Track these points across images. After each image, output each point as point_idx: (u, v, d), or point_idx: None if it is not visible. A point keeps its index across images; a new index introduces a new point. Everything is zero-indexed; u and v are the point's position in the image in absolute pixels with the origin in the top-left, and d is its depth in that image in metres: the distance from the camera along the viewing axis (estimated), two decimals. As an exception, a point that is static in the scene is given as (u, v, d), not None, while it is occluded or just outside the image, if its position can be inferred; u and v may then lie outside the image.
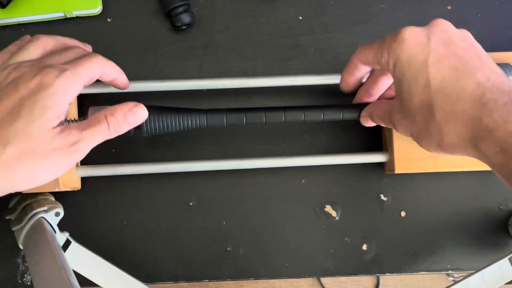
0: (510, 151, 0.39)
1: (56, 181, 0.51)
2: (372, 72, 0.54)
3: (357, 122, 0.56)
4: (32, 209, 0.52)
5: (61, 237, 0.54)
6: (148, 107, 0.53)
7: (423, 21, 0.64)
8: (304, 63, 0.64)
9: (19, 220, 0.53)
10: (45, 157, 0.41)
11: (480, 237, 0.63)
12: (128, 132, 0.53)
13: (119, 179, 0.61)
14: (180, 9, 0.61)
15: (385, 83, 0.54)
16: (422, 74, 0.44)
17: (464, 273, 0.58)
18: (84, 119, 0.52)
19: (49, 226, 0.52)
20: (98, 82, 0.58)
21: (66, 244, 0.54)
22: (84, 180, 0.60)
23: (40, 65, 0.44)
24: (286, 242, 0.62)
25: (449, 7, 0.65)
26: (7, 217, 0.55)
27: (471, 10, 0.65)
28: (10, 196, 0.57)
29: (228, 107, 0.55)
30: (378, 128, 0.63)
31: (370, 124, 0.55)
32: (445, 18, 0.62)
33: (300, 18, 0.64)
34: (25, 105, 0.41)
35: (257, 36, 0.64)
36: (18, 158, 0.40)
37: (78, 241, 0.55)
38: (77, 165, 0.58)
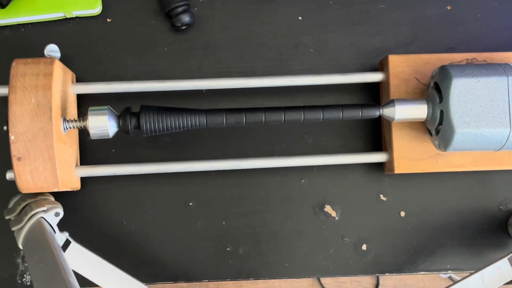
0: None
1: (55, 181, 0.51)
2: None
3: (357, 122, 0.56)
4: (31, 209, 0.52)
5: (61, 237, 0.54)
6: (148, 107, 0.54)
7: (423, 21, 0.65)
8: (304, 63, 0.64)
9: (18, 220, 0.53)
10: None
11: (480, 237, 0.63)
12: (128, 132, 0.53)
13: (119, 179, 0.61)
14: (180, 9, 0.61)
15: None
16: None
17: (464, 273, 0.58)
18: (83, 119, 0.52)
19: (49, 226, 0.52)
20: (97, 82, 0.58)
21: (66, 244, 0.54)
22: (84, 180, 0.60)
23: None
24: (285, 242, 0.62)
25: (449, 7, 0.65)
26: (7, 217, 0.55)
27: (471, 10, 0.65)
28: (10, 196, 0.57)
29: (228, 107, 0.55)
30: (378, 128, 0.63)
31: None
32: (445, 18, 0.63)
33: (300, 18, 0.64)
34: None
35: (257, 36, 0.64)
36: None
37: (78, 241, 0.55)
38: (77, 165, 0.58)
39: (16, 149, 0.50)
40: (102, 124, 0.52)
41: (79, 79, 0.61)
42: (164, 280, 0.61)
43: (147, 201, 0.62)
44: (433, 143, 0.57)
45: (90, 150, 0.61)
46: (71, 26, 0.62)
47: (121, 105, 0.56)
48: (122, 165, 0.57)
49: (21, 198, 0.55)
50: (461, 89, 0.52)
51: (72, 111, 0.57)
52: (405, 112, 0.55)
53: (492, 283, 0.55)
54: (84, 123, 0.52)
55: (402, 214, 0.63)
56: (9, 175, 0.55)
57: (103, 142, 0.60)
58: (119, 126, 0.53)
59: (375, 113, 0.56)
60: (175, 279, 0.61)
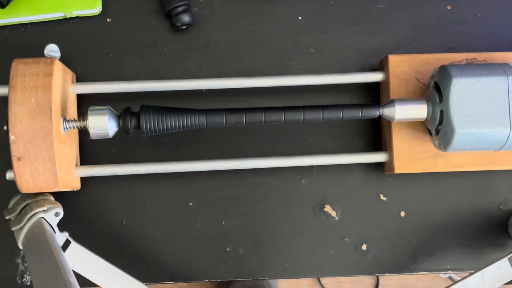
0: None
1: (55, 181, 0.51)
2: None
3: (356, 122, 0.56)
4: (31, 209, 0.52)
5: (61, 237, 0.54)
6: (148, 107, 0.54)
7: (423, 21, 0.65)
8: (303, 63, 0.64)
9: (18, 220, 0.53)
10: None
11: (480, 237, 0.63)
12: (128, 132, 0.53)
13: (119, 179, 0.61)
14: (180, 9, 0.61)
15: None
16: None
17: (464, 273, 0.58)
18: (83, 119, 0.52)
19: (49, 226, 0.52)
20: (97, 82, 0.58)
21: (66, 244, 0.54)
22: (84, 180, 0.60)
23: None
24: (285, 242, 0.62)
25: (449, 7, 0.65)
26: (7, 217, 0.55)
27: (470, 10, 0.65)
28: (10, 196, 0.57)
29: (228, 107, 0.55)
30: (378, 128, 0.63)
31: None
32: (444, 18, 0.63)
33: (300, 18, 0.64)
34: None
35: (257, 36, 0.64)
36: None
37: (78, 241, 0.55)
38: (76, 165, 0.58)
39: (16, 149, 0.50)
40: (102, 124, 0.52)
41: (79, 79, 0.61)
42: (164, 280, 0.61)
43: (147, 201, 0.62)
44: (433, 143, 0.57)
45: (90, 150, 0.61)
46: (71, 26, 0.62)
47: (121, 105, 0.56)
48: (122, 165, 0.57)
49: (21, 198, 0.55)
50: (461, 89, 0.52)
51: (72, 111, 0.57)
52: (405, 112, 0.55)
53: (492, 283, 0.55)
54: (84, 123, 0.53)
55: (402, 214, 0.63)
56: (9, 175, 0.55)
57: (103, 142, 0.60)
58: (119, 126, 0.53)
59: (375, 113, 0.56)
60: (175, 279, 0.61)
